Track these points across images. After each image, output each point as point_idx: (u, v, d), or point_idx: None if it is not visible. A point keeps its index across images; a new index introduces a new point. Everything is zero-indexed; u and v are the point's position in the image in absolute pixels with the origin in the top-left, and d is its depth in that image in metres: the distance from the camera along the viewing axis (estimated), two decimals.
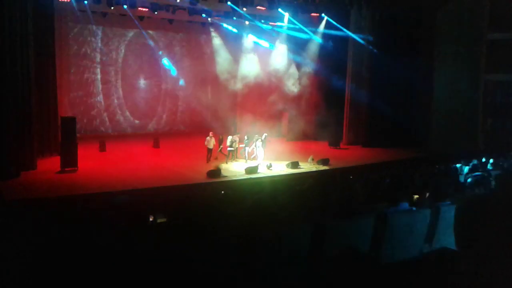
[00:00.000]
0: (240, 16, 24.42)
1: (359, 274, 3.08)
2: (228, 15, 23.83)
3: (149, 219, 7.73)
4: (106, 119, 25.84)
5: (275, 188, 11.42)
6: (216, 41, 26.33)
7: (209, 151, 18.39)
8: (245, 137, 18.92)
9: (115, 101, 26.17)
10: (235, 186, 14.58)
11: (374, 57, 23.64)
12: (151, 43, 26.37)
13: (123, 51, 26.04)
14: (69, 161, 16.33)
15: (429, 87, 23.09)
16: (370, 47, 23.68)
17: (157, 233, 6.67)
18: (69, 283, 4.25)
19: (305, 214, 6.28)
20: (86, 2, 20.33)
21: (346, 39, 24.34)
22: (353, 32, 24.12)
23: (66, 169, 16.23)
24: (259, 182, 15.55)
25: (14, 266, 4.40)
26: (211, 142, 18.47)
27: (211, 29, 26.19)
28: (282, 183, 14.50)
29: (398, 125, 23.52)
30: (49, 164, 17.08)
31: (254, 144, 18.51)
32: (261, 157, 18.28)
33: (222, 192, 11.78)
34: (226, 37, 26.26)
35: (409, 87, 23.74)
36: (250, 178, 16.08)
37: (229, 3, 21.93)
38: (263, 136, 18.78)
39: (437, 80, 22.75)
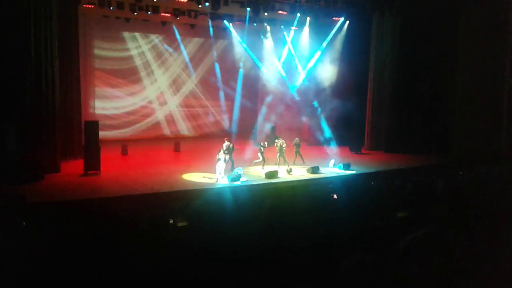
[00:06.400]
0: (261, 21, 24.52)
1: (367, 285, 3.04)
2: (250, 20, 23.94)
3: (168, 222, 7.77)
4: (129, 123, 26.19)
5: (294, 193, 11.37)
6: (238, 45, 26.43)
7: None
8: (226, 146, 17.16)
9: (138, 105, 26.52)
10: (255, 190, 14.57)
11: (397, 61, 23.40)
12: (169, 48, 26.81)
13: (146, 55, 26.41)
14: (92, 164, 16.58)
15: (452, 91, 22.70)
16: (392, 51, 23.47)
17: (178, 237, 6.70)
18: (89, 284, 4.30)
19: (324, 221, 6.22)
20: (111, 7, 20.69)
21: (368, 43, 24.16)
22: (375, 37, 23.93)
23: (89, 172, 16.49)
24: (279, 187, 15.52)
25: (37, 268, 4.47)
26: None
27: (233, 34, 26.24)
28: (302, 188, 14.43)
29: (420, 130, 23.20)
30: (73, 167, 17.37)
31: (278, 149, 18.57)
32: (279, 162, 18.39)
33: (242, 196, 11.77)
34: (248, 41, 26.33)
35: (432, 91, 23.40)
36: (270, 183, 16.05)
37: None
38: (280, 142, 18.68)
39: (460, 83, 22.35)
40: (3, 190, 13.23)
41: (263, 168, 17.73)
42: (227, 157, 16.90)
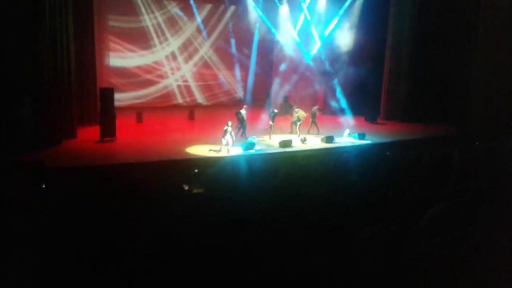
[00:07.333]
0: None
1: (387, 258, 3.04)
2: None
3: (183, 189, 7.86)
4: (144, 90, 26.23)
5: (308, 162, 11.36)
6: (253, 12, 25.97)
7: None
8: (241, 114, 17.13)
9: (153, 72, 26.48)
10: (269, 159, 14.60)
11: (416, 29, 22.86)
12: (182, 14, 26.47)
13: (159, 21, 26.18)
14: (108, 131, 16.72)
15: (470, 61, 22.20)
16: (412, 19, 22.90)
17: (192, 204, 6.78)
18: (105, 249, 4.39)
19: (337, 190, 6.22)
20: None
21: (386, 10, 23.59)
22: (394, 3, 23.34)
23: (105, 138, 16.67)
24: (293, 156, 15.51)
25: (54, 232, 4.57)
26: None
27: (248, 0, 25.70)
28: (316, 157, 14.41)
29: (437, 100, 22.85)
30: (89, 134, 17.56)
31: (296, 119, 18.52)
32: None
33: (256, 164, 11.80)
34: (263, 8, 25.86)
35: (450, 60, 22.90)
36: (284, 152, 16.06)
37: None
38: (299, 112, 18.70)
39: (478, 53, 21.81)
40: (22, 154, 13.46)
41: (270, 138, 17.73)
42: (239, 126, 16.92)
